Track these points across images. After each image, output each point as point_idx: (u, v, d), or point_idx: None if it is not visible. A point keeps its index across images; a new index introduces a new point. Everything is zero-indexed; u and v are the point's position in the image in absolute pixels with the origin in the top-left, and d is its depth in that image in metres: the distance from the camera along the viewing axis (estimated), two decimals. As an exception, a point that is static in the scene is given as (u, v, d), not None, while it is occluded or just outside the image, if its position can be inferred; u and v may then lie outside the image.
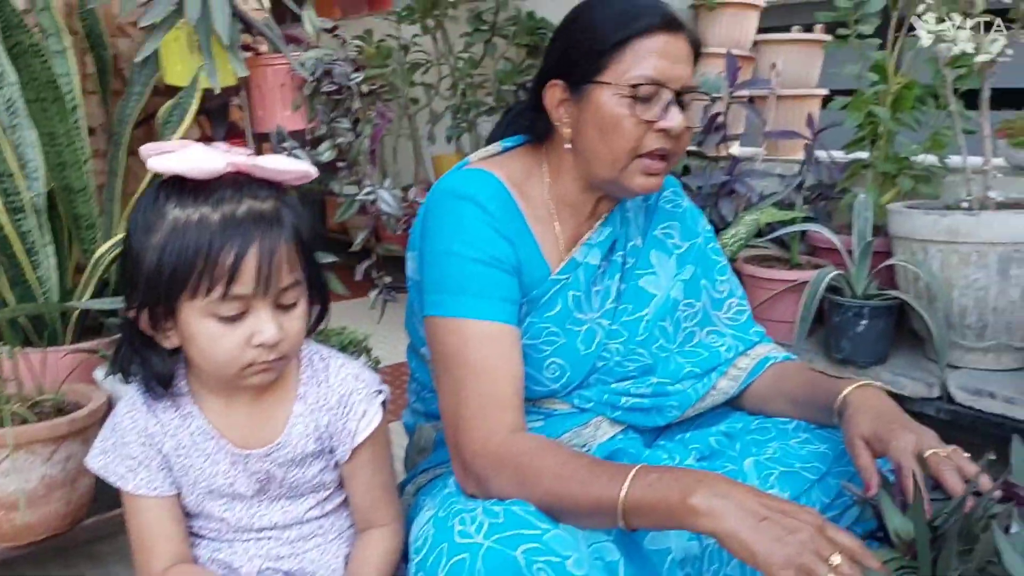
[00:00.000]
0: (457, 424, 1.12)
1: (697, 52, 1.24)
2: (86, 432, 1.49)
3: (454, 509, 1.01)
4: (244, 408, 1.15)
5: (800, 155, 2.73)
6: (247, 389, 1.13)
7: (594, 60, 1.20)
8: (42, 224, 1.64)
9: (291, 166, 1.08)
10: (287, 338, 1.06)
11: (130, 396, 1.16)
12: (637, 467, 0.98)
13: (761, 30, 2.95)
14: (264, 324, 1.03)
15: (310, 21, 1.75)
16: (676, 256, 1.40)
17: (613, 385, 1.34)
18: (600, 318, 1.32)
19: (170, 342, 1.06)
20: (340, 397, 1.17)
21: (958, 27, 1.88)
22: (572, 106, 1.23)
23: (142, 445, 1.14)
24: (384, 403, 1.21)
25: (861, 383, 1.22)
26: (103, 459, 1.17)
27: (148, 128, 1.96)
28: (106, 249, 1.66)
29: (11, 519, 1.42)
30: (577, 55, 1.22)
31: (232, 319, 1.02)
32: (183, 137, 1.66)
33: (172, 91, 1.82)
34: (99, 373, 1.63)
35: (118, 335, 1.76)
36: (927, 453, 1.05)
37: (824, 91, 2.77)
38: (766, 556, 0.85)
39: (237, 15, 1.68)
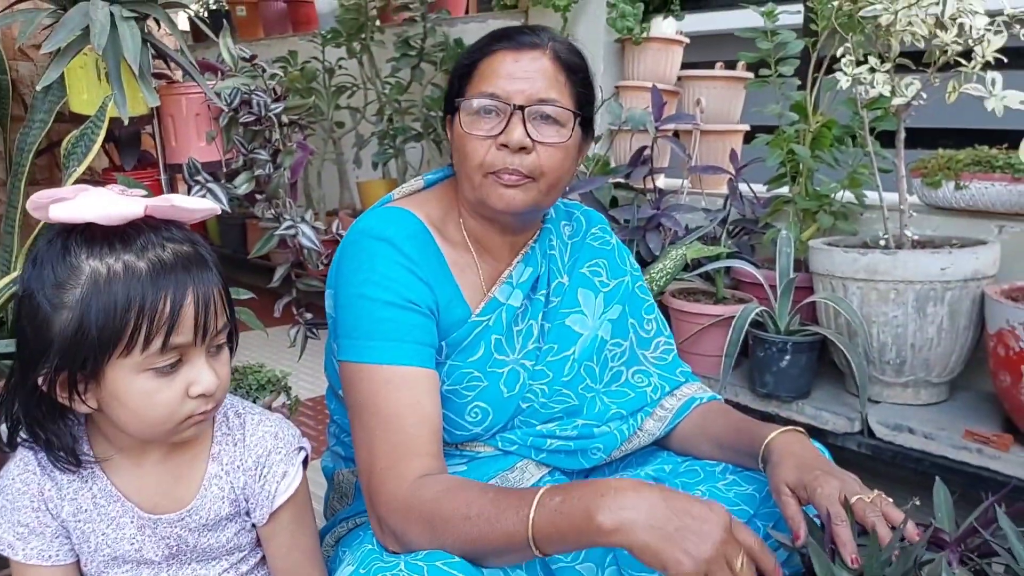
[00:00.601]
0: (370, 478, 1.09)
1: (572, 70, 1.21)
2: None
3: (374, 568, 0.98)
4: (153, 469, 1.07)
5: (723, 189, 2.77)
6: (157, 448, 1.06)
7: (456, 87, 1.23)
8: (-67, 259, 1.52)
9: (203, 205, 1.03)
10: (221, 384, 1.00)
11: (21, 455, 1.07)
12: (540, 492, 0.95)
13: (685, 65, 2.99)
14: (202, 372, 0.97)
15: (227, 49, 1.68)
16: (603, 295, 1.38)
17: (538, 427, 1.31)
18: (522, 359, 1.30)
19: (85, 407, 0.97)
20: (257, 458, 1.11)
21: (875, 70, 1.93)
22: (452, 135, 1.25)
23: (36, 511, 1.05)
24: (305, 460, 1.15)
25: (784, 429, 1.23)
26: None
27: (50, 157, 1.85)
28: (3, 285, 1.55)
29: None
30: (449, 84, 1.26)
31: (168, 372, 0.95)
32: (89, 168, 1.57)
33: (77, 118, 1.72)
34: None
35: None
36: (853, 499, 1.06)
37: (746, 127, 2.82)
38: (676, 566, 0.87)
39: (148, 42, 1.60)
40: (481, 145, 1.17)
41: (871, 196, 2.28)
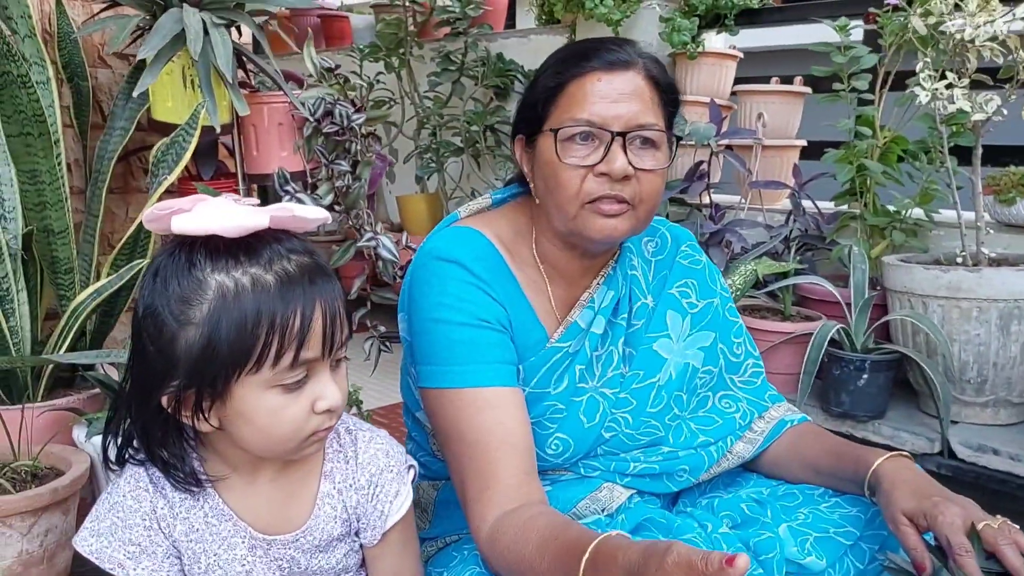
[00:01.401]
0: (465, 505, 1.09)
1: (663, 88, 1.16)
2: (67, 502, 1.34)
3: None
4: (265, 487, 1.03)
5: (780, 205, 2.74)
6: (270, 466, 1.02)
7: (538, 109, 1.17)
8: (16, 269, 1.49)
9: (319, 214, 0.99)
10: (343, 399, 0.97)
11: (132, 472, 1.03)
12: (584, 560, 0.89)
13: (737, 80, 2.97)
14: (327, 388, 0.93)
15: (311, 59, 1.66)
16: (691, 316, 1.32)
17: (622, 455, 1.27)
18: (602, 387, 1.25)
19: (207, 425, 0.93)
20: (370, 476, 1.07)
21: (953, 86, 1.91)
22: (531, 159, 1.20)
23: (147, 529, 1.00)
24: (414, 478, 1.12)
25: (890, 454, 1.18)
26: (96, 543, 1.01)
27: (126, 165, 1.82)
28: (86, 297, 1.52)
29: (-18, 602, 1.26)
30: (527, 106, 1.20)
31: (295, 387, 0.91)
32: (178, 177, 1.54)
33: (156, 127, 1.70)
34: (79, 433, 1.48)
35: (93, 390, 1.63)
36: (980, 526, 1.01)
37: (803, 142, 2.80)
38: None
39: (236, 50, 1.58)
40: (576, 174, 1.12)
41: (941, 213, 2.26)
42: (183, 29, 1.48)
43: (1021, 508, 1.81)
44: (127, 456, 1.01)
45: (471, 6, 3.36)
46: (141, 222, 1.52)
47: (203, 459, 1.01)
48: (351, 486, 1.06)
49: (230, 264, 0.89)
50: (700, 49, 2.80)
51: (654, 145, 1.13)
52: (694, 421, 1.32)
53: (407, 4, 3.53)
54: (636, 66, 1.14)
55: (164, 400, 0.91)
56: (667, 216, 2.64)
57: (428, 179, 3.56)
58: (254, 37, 1.88)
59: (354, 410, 1.85)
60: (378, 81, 3.70)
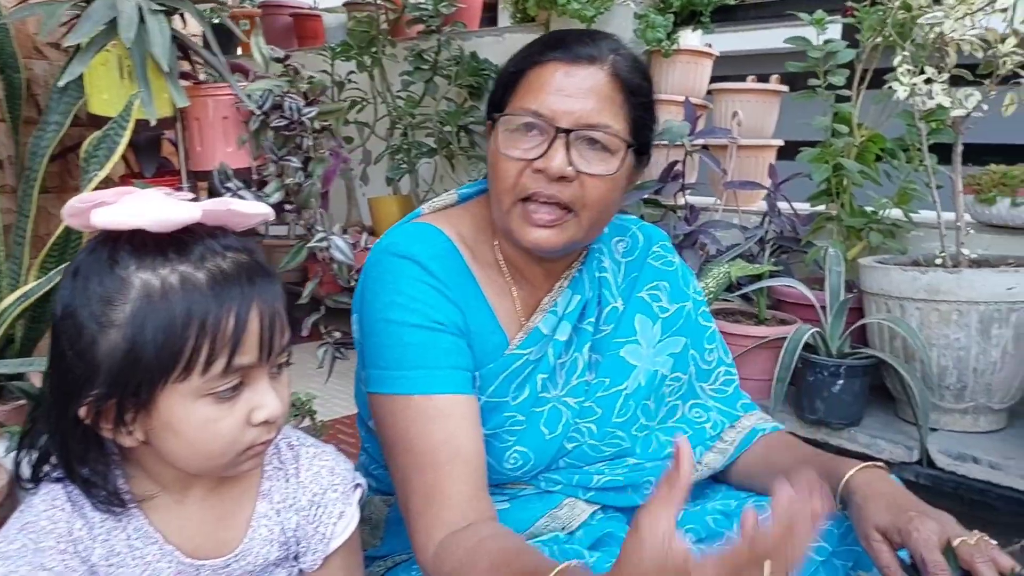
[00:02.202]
0: (407, 519, 1.02)
1: (631, 90, 1.07)
2: (-17, 520, 1.24)
3: None
4: (196, 507, 0.95)
5: (757, 206, 2.68)
6: (202, 484, 0.94)
7: (499, 95, 1.10)
8: (-63, 270, 1.40)
9: (259, 209, 0.91)
10: (284, 409, 0.88)
11: (47, 489, 0.94)
12: None
13: (713, 80, 2.91)
14: (265, 397, 0.85)
15: (259, 49, 1.57)
16: (661, 321, 1.25)
17: (585, 468, 1.20)
18: (565, 396, 1.18)
19: (131, 439, 0.85)
20: (313, 496, 0.99)
21: (932, 81, 1.84)
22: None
23: (62, 553, 0.91)
24: (361, 498, 1.03)
25: (863, 465, 1.12)
26: (3, 567, 0.92)
27: (62, 163, 1.73)
28: (12, 301, 1.43)
29: None
30: (493, 93, 1.12)
31: (229, 396, 0.83)
32: (110, 174, 1.45)
33: (94, 121, 1.61)
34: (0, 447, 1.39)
35: (17, 402, 1.53)
36: (956, 542, 0.96)
37: (780, 142, 2.73)
38: None
39: (176, 39, 1.49)
40: (514, 166, 1.04)
41: (921, 213, 2.19)
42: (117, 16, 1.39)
43: (1001, 518, 1.74)
44: (42, 474, 0.92)
45: (444, 3, 3.29)
46: (64, 230, 1.44)
47: (128, 476, 0.92)
48: (291, 506, 0.98)
49: (157, 261, 0.81)
50: (675, 47, 2.73)
51: (606, 149, 1.05)
52: (663, 432, 1.25)
53: (379, 2, 3.46)
54: (602, 62, 1.05)
55: (83, 411, 0.83)
56: (642, 217, 2.56)
57: (400, 180, 3.48)
58: (216, 28, 1.80)
59: (307, 422, 1.76)
60: (350, 80, 3.62)
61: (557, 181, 1.04)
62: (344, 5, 4.06)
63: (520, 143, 1.05)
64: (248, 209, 0.89)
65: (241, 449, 0.87)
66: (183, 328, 0.79)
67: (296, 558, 1.01)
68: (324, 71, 3.59)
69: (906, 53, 1.88)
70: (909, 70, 1.87)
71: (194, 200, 0.87)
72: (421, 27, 3.38)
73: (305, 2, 4.49)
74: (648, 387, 1.21)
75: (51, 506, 0.92)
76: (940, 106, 1.84)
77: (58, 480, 0.92)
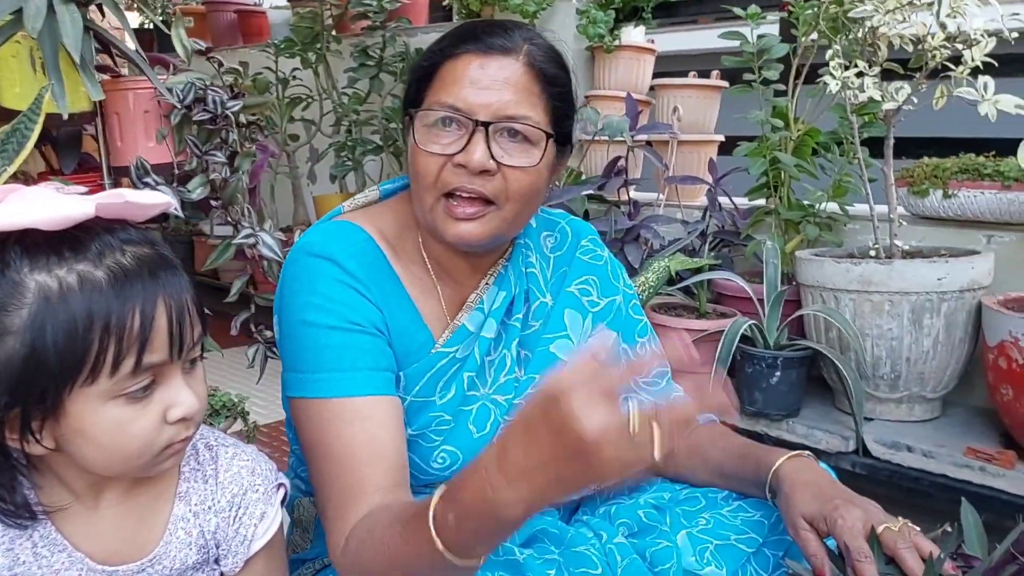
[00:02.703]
0: (325, 523, 1.00)
1: (549, 80, 1.06)
2: None
3: None
4: (109, 512, 0.91)
5: (699, 201, 2.69)
6: (115, 487, 0.90)
7: (413, 91, 1.09)
8: None
9: (158, 199, 0.88)
10: (200, 405, 0.85)
11: None
12: (431, 512, 0.81)
13: (655, 76, 2.91)
14: (180, 393, 0.83)
15: (180, 41, 1.53)
16: (592, 315, 1.24)
17: None
18: (494, 394, 1.16)
19: (40, 448, 0.82)
20: (232, 497, 0.96)
21: (864, 74, 1.86)
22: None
23: None
24: (284, 499, 1.01)
25: (791, 454, 1.12)
26: None
27: (-20, 158, 1.66)
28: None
29: None
30: (408, 88, 1.11)
31: (141, 396, 0.81)
32: (21, 171, 1.40)
33: (8, 115, 1.55)
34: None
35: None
36: (880, 529, 0.96)
37: (721, 137, 2.75)
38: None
39: (91, 30, 1.44)
40: (435, 162, 1.02)
41: (855, 207, 2.21)
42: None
43: (935, 505, 1.77)
44: None
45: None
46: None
47: (36, 486, 0.88)
48: (210, 508, 0.96)
49: (52, 261, 0.78)
50: (617, 43, 2.73)
51: (526, 140, 1.04)
52: None
53: (323, -3, 3.42)
54: (517, 52, 1.04)
55: None
56: (586, 213, 2.56)
57: (345, 178, 3.44)
58: (164, 23, 1.76)
59: (239, 424, 1.72)
60: (294, 77, 3.57)
61: (479, 175, 1.02)
62: (289, 1, 4.00)
63: (439, 138, 1.03)
64: (145, 199, 0.86)
65: (159, 449, 0.84)
66: (86, 330, 0.76)
67: (216, 561, 0.98)
68: (268, 68, 3.54)
69: (838, 47, 1.89)
70: (841, 64, 1.88)
71: (87, 194, 0.84)
72: (366, 23, 3.35)
73: (251, -1, 4.43)
74: None
75: None
76: (871, 99, 1.86)
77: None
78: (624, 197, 2.50)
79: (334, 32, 3.52)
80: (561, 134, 1.09)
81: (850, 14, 1.87)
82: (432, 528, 0.80)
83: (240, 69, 3.41)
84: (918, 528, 0.98)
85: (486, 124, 1.01)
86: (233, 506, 0.96)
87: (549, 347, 1.19)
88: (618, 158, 2.46)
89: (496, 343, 1.18)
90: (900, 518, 0.98)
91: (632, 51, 2.77)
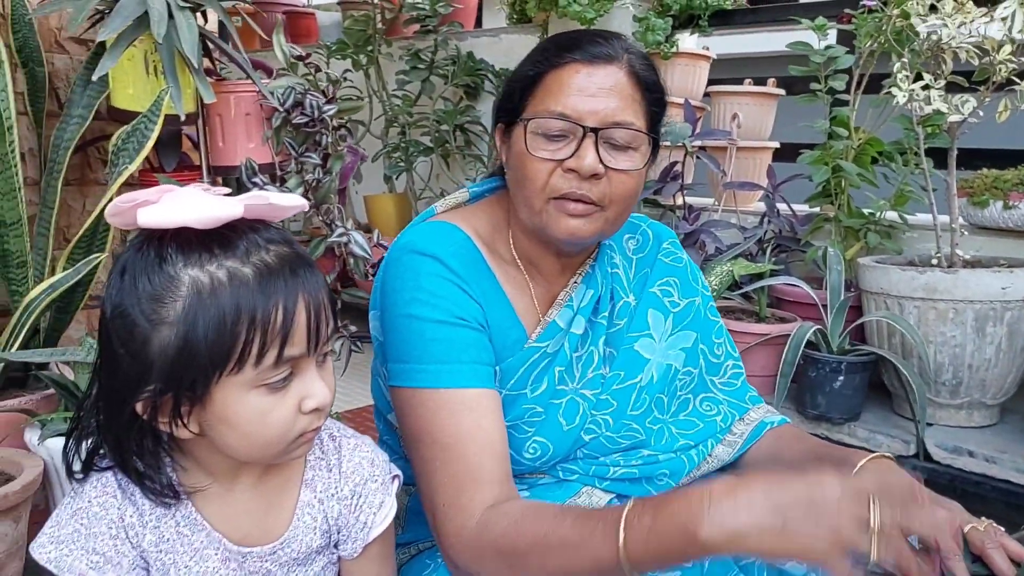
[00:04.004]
0: (434, 514, 1.03)
1: (648, 87, 1.09)
2: (18, 509, 1.26)
3: None
4: (243, 496, 0.96)
5: (754, 207, 2.73)
6: (249, 474, 0.96)
7: (517, 98, 1.12)
8: (-35, 262, 1.41)
9: (295, 201, 0.93)
10: (331, 398, 0.91)
11: (100, 476, 0.96)
12: (625, 511, 0.86)
13: (710, 83, 2.96)
14: (315, 386, 0.87)
15: (280, 47, 1.60)
16: (673, 316, 1.28)
17: (601, 459, 1.23)
18: (582, 388, 1.20)
19: (187, 432, 0.87)
20: (354, 486, 1.01)
21: (930, 87, 1.90)
22: (507, 149, 1.15)
23: (113, 538, 0.93)
24: (397, 489, 1.06)
25: (872, 456, 1.15)
26: (56, 551, 0.93)
27: (83, 156, 1.74)
28: (40, 292, 1.44)
29: (-77, 617, 1.18)
30: (506, 95, 1.15)
31: (280, 387, 0.85)
32: (139, 168, 1.46)
33: (117, 115, 1.62)
34: (31, 436, 1.40)
35: (46, 391, 1.54)
36: (966, 529, 0.99)
37: (776, 144, 2.79)
38: (808, 555, 0.77)
39: (202, 36, 1.51)
40: (545, 168, 1.07)
41: (916, 216, 2.26)
42: (146, 11, 1.41)
43: (996, 511, 1.80)
44: (94, 466, 0.94)
45: (441, 3, 3.32)
46: (100, 214, 1.45)
47: (179, 468, 0.94)
48: (333, 496, 1.00)
49: (204, 258, 0.83)
50: (674, 49, 2.78)
51: (630, 145, 1.08)
52: (675, 425, 1.28)
53: (375, 1, 3.48)
54: (619, 61, 1.07)
55: (139, 407, 0.84)
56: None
57: (396, 179, 3.50)
58: (221, 24, 1.81)
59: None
60: (345, 79, 3.62)
61: (588, 179, 1.06)
62: (338, 4, 4.06)
63: (548, 144, 1.07)
64: (285, 202, 0.90)
65: (293, 437, 0.88)
66: (234, 323, 0.81)
67: (336, 546, 1.03)
68: (318, 68, 3.60)
69: (904, 60, 1.94)
70: (907, 76, 1.93)
71: (230, 195, 0.89)
72: (417, 27, 3.41)
73: (299, 0, 4.49)
74: (662, 381, 1.24)
75: (103, 493, 0.94)
76: (937, 111, 1.90)
77: (107, 469, 0.94)
78: (679, 202, 2.55)
79: (385, 35, 3.58)
80: (653, 138, 1.13)
81: (918, 28, 1.91)
82: (622, 523, 0.84)
83: (336, 75, 3.49)
84: (1002, 529, 1.02)
85: (595, 130, 1.06)
86: (355, 495, 1.01)
87: (633, 345, 1.23)
88: (674, 163, 2.51)
89: (584, 339, 1.22)
90: (984, 519, 1.02)
91: (688, 58, 2.81)
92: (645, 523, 0.84)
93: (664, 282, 1.29)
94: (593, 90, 1.05)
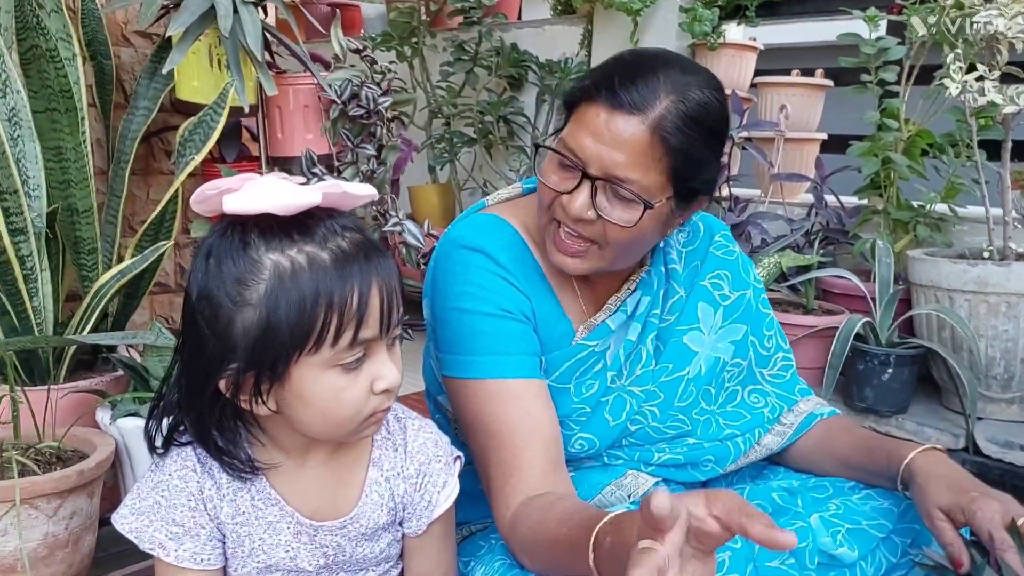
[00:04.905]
0: (489, 496, 1.08)
1: (674, 149, 1.02)
2: (92, 485, 1.31)
3: None
4: (315, 473, 1.01)
5: (798, 198, 2.72)
6: (320, 451, 1.00)
7: (564, 116, 1.12)
8: (40, 248, 1.46)
9: (368, 190, 0.97)
10: (400, 380, 0.94)
11: (180, 451, 1.00)
12: (595, 531, 0.86)
13: (756, 74, 2.95)
14: (385, 367, 0.91)
15: (337, 40, 1.63)
16: (723, 308, 1.29)
17: (646, 447, 1.25)
18: (631, 385, 1.22)
19: (264, 409, 0.91)
20: (420, 465, 1.05)
21: (984, 78, 1.89)
22: None
23: (192, 510, 0.97)
24: (460, 470, 1.09)
25: (923, 447, 1.16)
26: (136, 522, 0.98)
27: (147, 147, 1.80)
28: (110, 278, 1.49)
29: (6, 586, 1.23)
30: (564, 103, 1.13)
31: (354, 368, 0.89)
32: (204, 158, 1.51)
33: (181, 107, 1.67)
34: (103, 416, 1.45)
35: (115, 373, 1.60)
36: (1020, 521, 1.00)
37: (824, 136, 2.78)
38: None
39: (265, 29, 1.55)
40: (549, 193, 1.09)
41: (967, 208, 2.24)
42: (212, 6, 1.45)
43: (1046, 505, 1.79)
44: (175, 442, 0.99)
45: (485, -5, 3.34)
46: (167, 204, 1.50)
47: (256, 444, 0.98)
48: (399, 474, 1.04)
49: (285, 243, 0.87)
50: (720, 40, 2.77)
51: (629, 200, 1.05)
52: (722, 416, 1.29)
53: (422, -7, 3.51)
54: (648, 113, 1.02)
55: (222, 384, 0.89)
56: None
57: (440, 169, 3.54)
58: (277, 18, 1.86)
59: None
60: (389, 70, 3.66)
61: (577, 221, 1.07)
62: (385, -4, 4.11)
63: (558, 171, 1.08)
64: (358, 191, 0.94)
65: (364, 417, 0.92)
66: (313, 305, 0.84)
67: (400, 524, 1.06)
68: (365, 58, 3.64)
69: (958, 51, 1.92)
70: (961, 67, 1.91)
71: (305, 184, 0.93)
72: (462, 18, 3.43)
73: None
74: (709, 373, 1.25)
75: (183, 467, 0.98)
76: (991, 103, 1.88)
77: (187, 444, 0.99)
78: (725, 193, 2.55)
79: (430, 27, 3.61)
80: (686, 189, 1.08)
81: (973, 18, 1.90)
82: (591, 542, 0.86)
83: (391, 68, 3.53)
84: (1057, 520, 1.02)
85: (593, 179, 1.04)
86: (420, 474, 1.04)
87: (682, 339, 1.25)
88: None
89: (637, 342, 1.23)
90: None
91: (734, 48, 2.81)
92: (607, 543, 0.85)
93: (715, 275, 1.30)
94: (606, 138, 1.03)
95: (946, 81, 1.92)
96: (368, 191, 0.97)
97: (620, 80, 1.03)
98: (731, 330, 1.28)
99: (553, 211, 1.09)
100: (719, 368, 1.26)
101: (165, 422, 0.99)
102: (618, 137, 1.02)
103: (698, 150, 1.05)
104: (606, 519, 0.86)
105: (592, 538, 0.86)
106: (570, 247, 1.09)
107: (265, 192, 0.87)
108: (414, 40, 3.56)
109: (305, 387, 0.88)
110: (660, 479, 1.26)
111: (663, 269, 1.26)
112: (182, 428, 0.98)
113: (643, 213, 1.05)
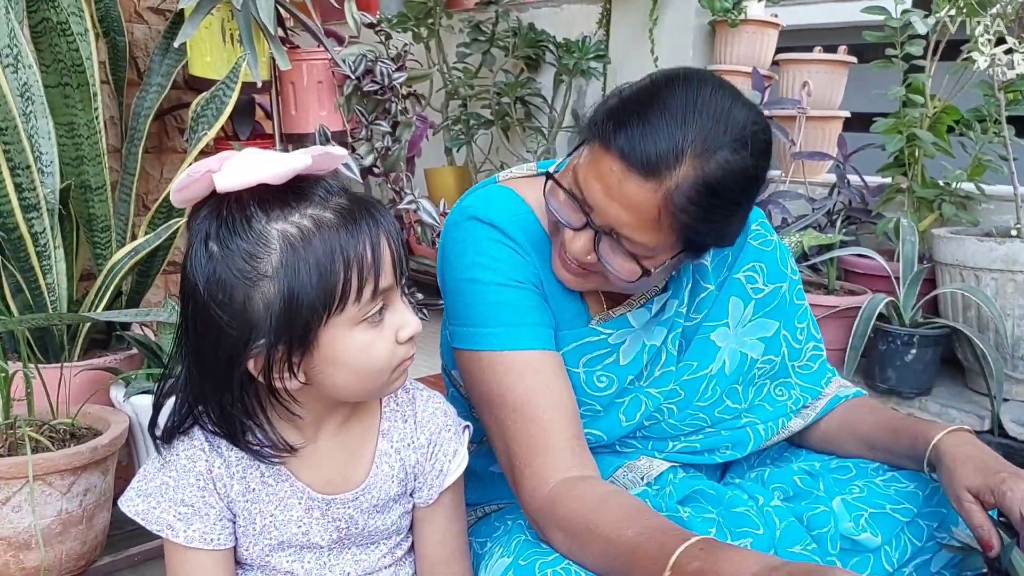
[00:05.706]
0: (511, 470, 1.04)
1: (682, 222, 0.96)
2: (106, 462, 1.31)
3: (535, 563, 0.95)
4: (325, 446, 0.99)
5: (822, 178, 2.68)
6: (330, 423, 0.98)
7: (586, 132, 1.03)
8: (54, 225, 1.45)
9: (341, 151, 0.97)
10: (420, 327, 0.94)
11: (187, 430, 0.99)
12: (678, 551, 0.84)
13: (778, 51, 2.90)
14: (406, 315, 0.91)
15: (352, 15, 1.61)
16: (755, 302, 1.22)
17: (660, 440, 1.22)
18: (649, 387, 1.18)
19: (295, 382, 0.89)
20: (430, 435, 1.03)
21: (1013, 51, 1.84)
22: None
23: (201, 490, 0.96)
24: (469, 439, 1.08)
25: (950, 428, 1.12)
26: (144, 504, 0.97)
27: (160, 124, 1.78)
28: (123, 255, 1.49)
29: (21, 561, 1.23)
30: (594, 118, 1.03)
31: (378, 320, 0.89)
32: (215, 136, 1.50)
33: (194, 83, 1.66)
34: (117, 393, 1.45)
35: (129, 351, 1.60)
36: None
37: (847, 113, 2.73)
38: None
39: (277, 3, 1.53)
40: (554, 217, 1.04)
41: (995, 185, 2.19)
42: (224, -20, 1.43)
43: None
44: (184, 428, 0.97)
45: (503, -26, 3.30)
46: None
47: (272, 427, 0.96)
48: (409, 445, 1.03)
49: (286, 210, 0.85)
50: (741, 17, 2.73)
51: (632, 255, 1.00)
52: (746, 412, 1.26)
53: (437, -27, 3.48)
54: (664, 180, 0.94)
55: (251, 365, 0.87)
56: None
57: (457, 151, 3.51)
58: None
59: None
60: (406, 51, 3.64)
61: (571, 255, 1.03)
62: (400, -24, 4.07)
63: (563, 205, 1.03)
64: (335, 151, 0.93)
65: (394, 367, 0.91)
66: (331, 265, 0.83)
67: (411, 494, 1.05)
68: (379, 42, 3.62)
69: (986, 23, 1.87)
70: (989, 40, 1.86)
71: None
72: (479, -1, 3.40)
73: (360, -27, 4.51)
74: (736, 372, 1.21)
75: (190, 446, 0.96)
76: (1021, 76, 1.84)
77: (194, 423, 0.97)
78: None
79: (446, 8, 3.58)
80: (699, 246, 1.03)
81: (1002, -10, 1.85)
82: (672, 560, 0.84)
83: (406, 43, 3.51)
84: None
85: (597, 229, 1.00)
86: (431, 443, 1.03)
87: (709, 335, 1.20)
88: (742, 133, 2.47)
89: (661, 346, 1.19)
90: None
91: (756, 25, 2.76)
92: (693, 567, 0.82)
93: (750, 267, 1.23)
94: (616, 195, 0.96)
95: (974, 54, 1.88)
96: (342, 151, 0.96)
97: (643, 132, 0.94)
98: (761, 325, 1.23)
99: (558, 233, 1.05)
100: (747, 366, 1.21)
101: (163, 419, 0.97)
102: (629, 200, 0.95)
103: (715, 218, 0.98)
104: (693, 541, 0.84)
105: (674, 555, 0.84)
106: (571, 266, 1.05)
107: (255, 164, 0.85)
108: (430, 21, 3.53)
109: (336, 349, 0.87)
110: (675, 464, 1.23)
111: (691, 264, 1.19)
112: (202, 420, 0.96)
113: (641, 273, 1.00)
